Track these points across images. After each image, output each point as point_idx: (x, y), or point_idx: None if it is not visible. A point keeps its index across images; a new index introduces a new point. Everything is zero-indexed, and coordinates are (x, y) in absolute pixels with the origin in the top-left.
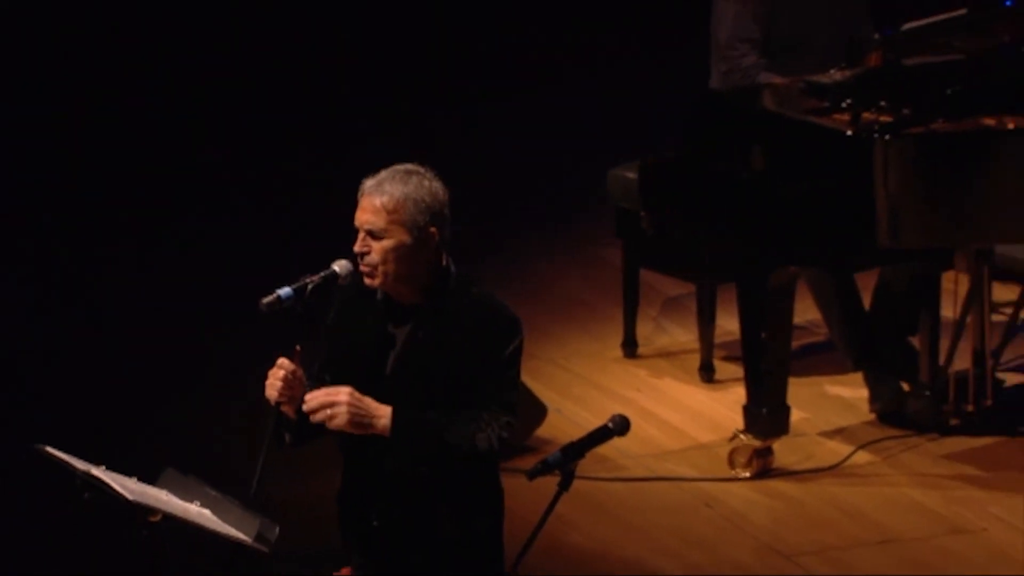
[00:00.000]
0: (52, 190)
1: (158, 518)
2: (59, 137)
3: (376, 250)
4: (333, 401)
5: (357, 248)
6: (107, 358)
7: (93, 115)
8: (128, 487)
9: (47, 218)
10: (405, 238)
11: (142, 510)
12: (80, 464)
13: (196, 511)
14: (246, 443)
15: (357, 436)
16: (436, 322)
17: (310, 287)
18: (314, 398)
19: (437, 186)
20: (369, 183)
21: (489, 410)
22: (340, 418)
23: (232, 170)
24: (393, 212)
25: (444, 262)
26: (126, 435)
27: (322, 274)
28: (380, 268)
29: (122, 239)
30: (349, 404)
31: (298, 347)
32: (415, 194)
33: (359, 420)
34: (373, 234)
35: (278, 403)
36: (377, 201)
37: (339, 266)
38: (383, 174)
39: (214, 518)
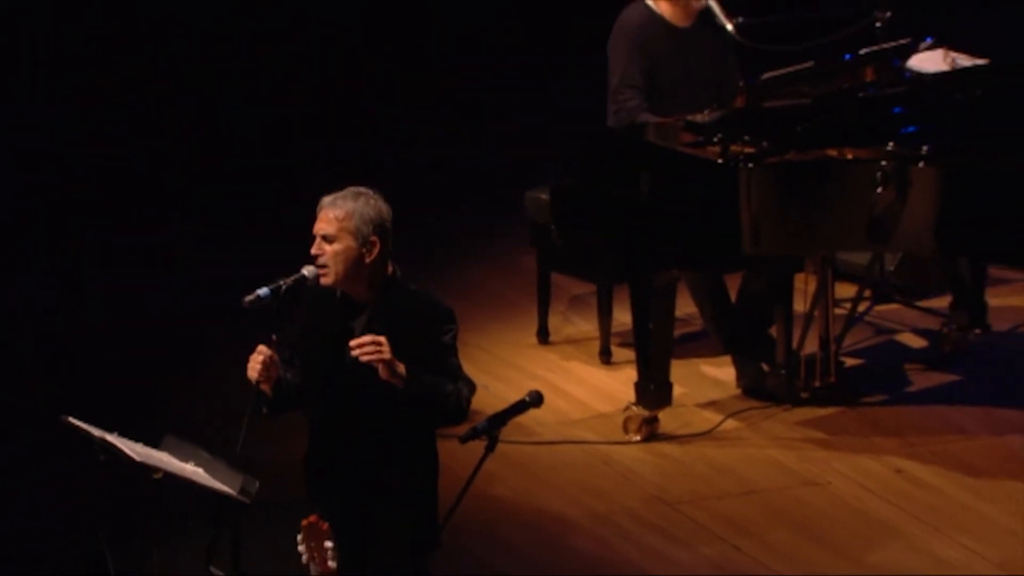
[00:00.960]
0: (61, 191)
1: (160, 475)
2: (62, 137)
3: (328, 252)
4: (381, 344)
5: (313, 251)
6: (118, 343)
7: (95, 116)
8: (136, 450)
9: (61, 216)
10: (352, 244)
11: (147, 468)
12: (97, 432)
13: (191, 469)
14: (232, 414)
15: (322, 408)
16: (385, 315)
17: (283, 288)
18: (364, 341)
19: (381, 205)
20: (327, 199)
21: (454, 380)
22: (385, 355)
23: (227, 179)
24: (343, 221)
25: (389, 266)
26: (134, 407)
27: (293, 277)
28: (331, 267)
29: (133, 242)
30: (389, 349)
31: (274, 336)
32: (362, 209)
33: (392, 361)
34: (326, 238)
35: (258, 381)
36: (331, 213)
37: (307, 271)
38: (338, 193)
39: (205, 475)
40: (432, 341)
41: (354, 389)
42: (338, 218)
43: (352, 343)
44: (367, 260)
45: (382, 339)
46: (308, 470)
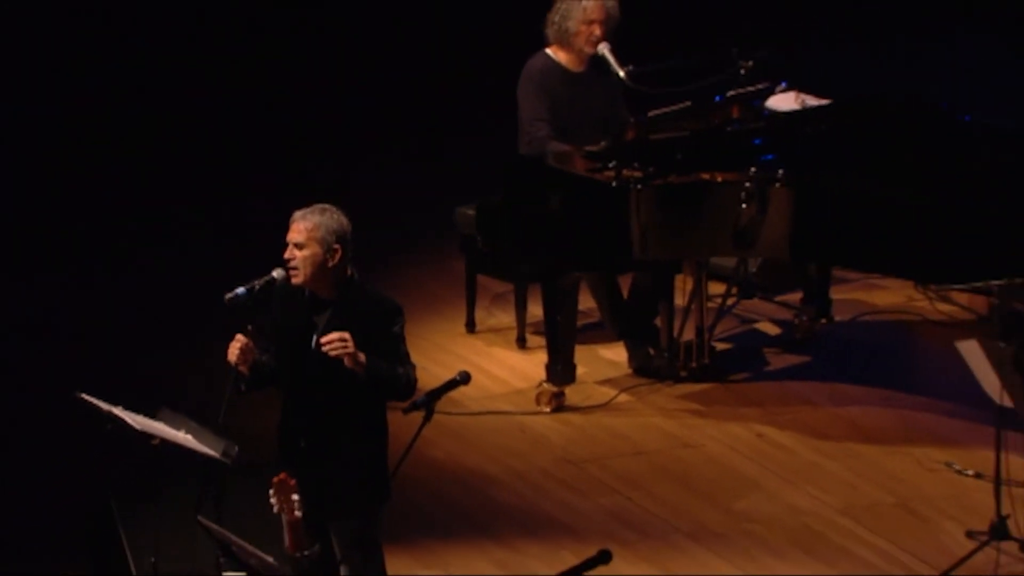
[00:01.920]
0: (62, 191)
1: (157, 441)
2: (58, 136)
3: (299, 257)
4: (347, 341)
5: (286, 255)
6: (122, 332)
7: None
8: (137, 420)
9: (66, 216)
10: (318, 250)
11: (146, 436)
12: (105, 406)
13: (183, 436)
14: (215, 391)
15: (292, 386)
16: (345, 310)
17: (257, 287)
18: (332, 338)
19: (343, 219)
20: (298, 213)
21: (404, 365)
22: (350, 349)
23: (199, 194)
24: (312, 232)
25: (349, 270)
26: (135, 386)
27: (264, 279)
28: (301, 270)
29: (135, 246)
30: (349, 345)
31: (249, 327)
32: (327, 222)
33: (355, 353)
34: (297, 246)
35: (236, 364)
36: (301, 225)
37: (276, 273)
38: (307, 208)
39: (194, 441)
40: (384, 332)
41: (319, 371)
42: (307, 229)
43: (322, 340)
44: (330, 264)
45: (347, 335)
46: (280, 436)
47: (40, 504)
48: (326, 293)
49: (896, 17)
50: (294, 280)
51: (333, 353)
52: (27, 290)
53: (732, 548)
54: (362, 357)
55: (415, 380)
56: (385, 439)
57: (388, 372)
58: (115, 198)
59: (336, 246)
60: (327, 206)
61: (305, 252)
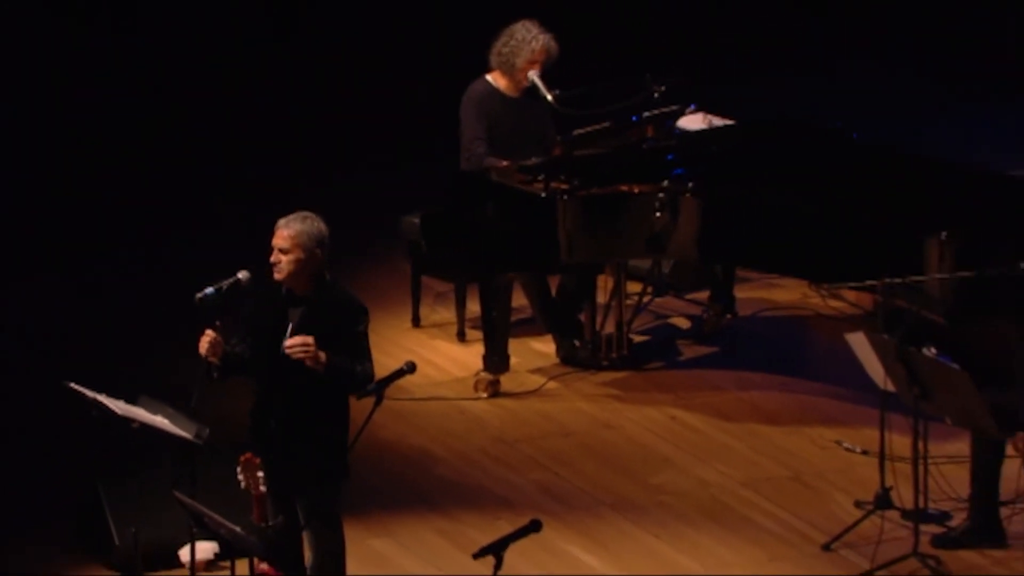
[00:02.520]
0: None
1: (137, 425)
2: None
3: (283, 260)
4: (308, 345)
5: (272, 259)
6: (106, 327)
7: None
8: (119, 406)
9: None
10: (300, 254)
11: (127, 420)
12: (90, 393)
13: (160, 420)
14: (189, 380)
15: (265, 374)
16: (317, 307)
17: (224, 287)
18: (295, 342)
19: (322, 225)
20: (282, 221)
21: (362, 362)
22: (310, 353)
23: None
24: (295, 238)
25: (324, 270)
26: (118, 375)
27: (230, 280)
28: (284, 269)
29: (120, 247)
30: (311, 348)
31: (217, 323)
32: (309, 229)
33: (315, 356)
34: (282, 250)
35: (206, 355)
36: (285, 232)
37: (242, 275)
38: (291, 216)
39: (170, 424)
40: (350, 330)
41: (289, 362)
42: (291, 236)
43: (286, 344)
44: (309, 266)
45: (310, 340)
46: (253, 418)
47: (31, 482)
48: (302, 291)
49: (789, 48)
50: (277, 277)
51: (295, 356)
52: (17, 289)
53: (649, 518)
54: (322, 357)
55: (371, 375)
56: (347, 423)
57: (345, 370)
58: (90, 212)
59: (317, 251)
60: (308, 214)
61: (289, 256)
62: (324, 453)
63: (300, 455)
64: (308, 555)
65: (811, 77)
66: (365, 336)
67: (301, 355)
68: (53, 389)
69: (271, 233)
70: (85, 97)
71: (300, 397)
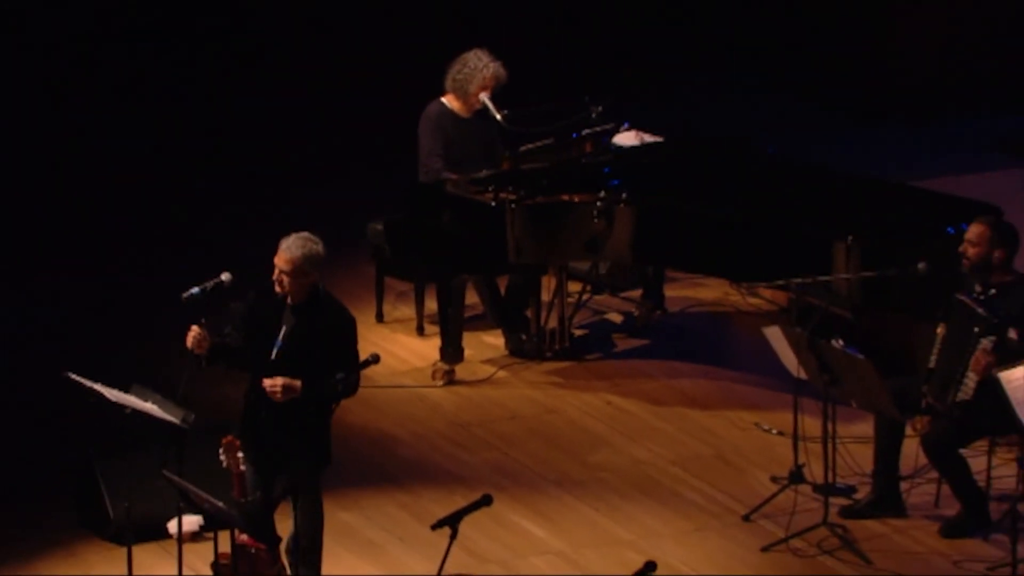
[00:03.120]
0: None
1: (129, 411)
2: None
3: (284, 280)
4: (285, 388)
5: (275, 277)
6: (102, 321)
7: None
8: (113, 394)
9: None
10: (299, 276)
11: (121, 406)
12: (87, 382)
13: (150, 406)
14: (176, 370)
15: (259, 366)
16: (309, 315)
17: (208, 287)
18: (276, 384)
19: (318, 248)
20: (284, 243)
21: (348, 371)
22: (286, 395)
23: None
24: (294, 263)
25: (317, 284)
26: (112, 366)
27: (214, 281)
28: (285, 286)
29: (109, 250)
30: (291, 385)
31: (203, 319)
32: (307, 254)
33: (290, 392)
34: (283, 271)
35: (192, 349)
36: (286, 255)
37: (224, 276)
38: (293, 239)
39: (159, 410)
40: (339, 337)
41: (279, 360)
42: (291, 260)
43: (266, 383)
44: (306, 283)
45: (291, 384)
46: (246, 407)
47: (33, 462)
48: (297, 300)
49: (707, 73)
50: (277, 290)
51: (276, 399)
52: (23, 287)
53: (588, 492)
54: (297, 387)
55: (356, 385)
56: (329, 415)
57: (322, 392)
58: (89, 223)
59: (312, 272)
60: (309, 237)
61: (288, 278)
62: (309, 441)
63: (287, 441)
64: (290, 527)
65: (726, 99)
66: (353, 343)
67: (278, 397)
68: (54, 378)
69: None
70: (94, 109)
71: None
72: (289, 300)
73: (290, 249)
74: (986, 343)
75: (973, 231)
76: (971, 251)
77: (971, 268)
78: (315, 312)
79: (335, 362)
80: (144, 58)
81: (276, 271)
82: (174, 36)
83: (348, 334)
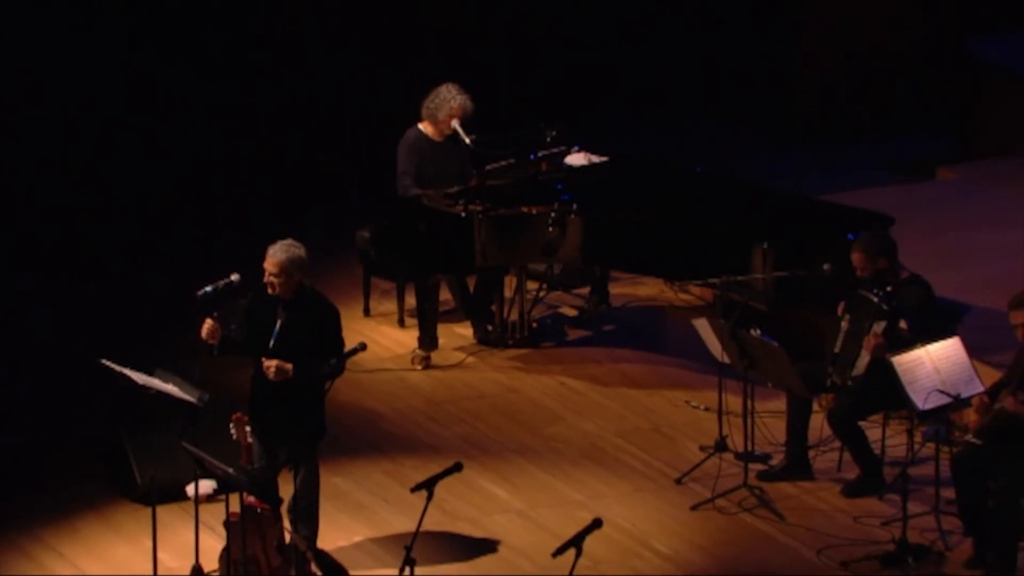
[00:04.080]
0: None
1: (153, 391)
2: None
3: (274, 282)
4: (279, 369)
5: (266, 280)
6: (128, 315)
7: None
8: (140, 377)
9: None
10: (285, 277)
11: (146, 388)
12: (118, 367)
13: (171, 387)
14: (193, 357)
15: (260, 355)
16: (299, 309)
17: (220, 286)
18: (272, 366)
19: (300, 252)
20: (271, 250)
21: (333, 357)
22: (280, 376)
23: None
24: (281, 265)
25: (303, 281)
26: (140, 353)
27: (225, 281)
28: (275, 286)
29: (137, 252)
30: (282, 367)
31: (215, 313)
32: (290, 257)
33: (285, 374)
34: (271, 274)
35: (206, 339)
36: (273, 260)
37: (234, 276)
38: (277, 244)
39: (179, 391)
40: (325, 327)
41: (276, 350)
42: (279, 263)
43: (265, 364)
44: (292, 282)
45: (286, 366)
46: (252, 390)
47: (73, 436)
48: (286, 296)
49: (651, 101)
50: (269, 291)
51: (273, 379)
52: (64, 284)
53: (545, 460)
54: (288, 370)
55: (341, 368)
56: (322, 395)
57: (313, 373)
58: (119, 231)
59: (296, 272)
60: (292, 243)
61: (277, 279)
62: (305, 416)
63: (286, 417)
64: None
65: (663, 125)
66: (338, 334)
67: (272, 376)
68: (89, 365)
69: (259, 247)
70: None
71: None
72: (280, 298)
73: (276, 254)
74: (877, 328)
75: (854, 258)
76: (860, 272)
77: (870, 279)
78: (304, 307)
79: (323, 347)
80: (154, 79)
81: (266, 274)
82: (188, 61)
83: (333, 323)
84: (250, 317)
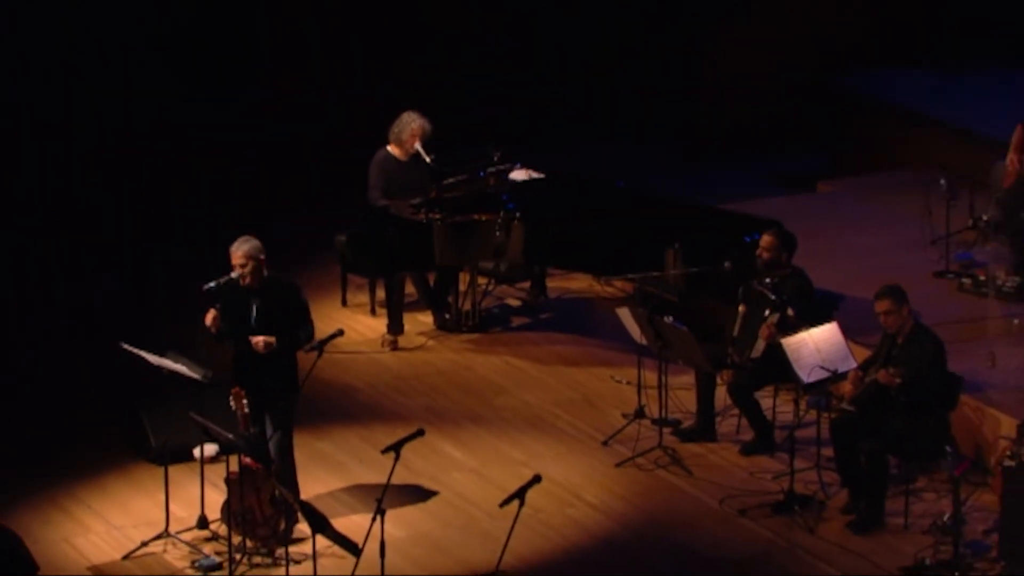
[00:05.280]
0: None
1: (166, 371)
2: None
3: (244, 271)
4: (265, 343)
5: (236, 272)
6: (145, 309)
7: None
8: (154, 358)
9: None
10: (252, 264)
11: (160, 367)
12: (135, 349)
13: (180, 367)
14: (198, 342)
15: (240, 336)
16: (268, 293)
17: (222, 282)
18: (258, 339)
19: (257, 243)
20: (233, 246)
21: (305, 326)
22: (267, 349)
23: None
24: (245, 255)
25: (267, 270)
26: (153, 336)
27: (227, 277)
28: (247, 276)
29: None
30: (269, 341)
31: (217, 305)
32: (251, 249)
33: (270, 344)
34: (240, 265)
35: (209, 327)
36: (240, 252)
37: (234, 274)
38: (237, 241)
39: (187, 369)
40: (295, 304)
41: (255, 330)
42: (245, 253)
43: (253, 341)
44: (258, 269)
45: (266, 339)
46: (235, 365)
47: (99, 407)
48: (254, 284)
49: (581, 123)
50: (243, 283)
51: (263, 352)
52: (91, 279)
53: (494, 427)
54: (272, 342)
55: (312, 334)
56: (295, 362)
57: (292, 341)
58: (136, 231)
59: (260, 257)
60: (248, 237)
61: (246, 268)
62: (282, 381)
63: (268, 385)
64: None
65: (593, 145)
66: (306, 306)
67: (263, 350)
68: (113, 349)
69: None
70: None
71: (262, 353)
72: (248, 285)
73: (240, 247)
74: (772, 318)
75: (765, 240)
76: (765, 255)
77: (764, 265)
78: (271, 291)
79: (296, 318)
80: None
81: (237, 267)
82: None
83: (298, 298)
84: (225, 310)
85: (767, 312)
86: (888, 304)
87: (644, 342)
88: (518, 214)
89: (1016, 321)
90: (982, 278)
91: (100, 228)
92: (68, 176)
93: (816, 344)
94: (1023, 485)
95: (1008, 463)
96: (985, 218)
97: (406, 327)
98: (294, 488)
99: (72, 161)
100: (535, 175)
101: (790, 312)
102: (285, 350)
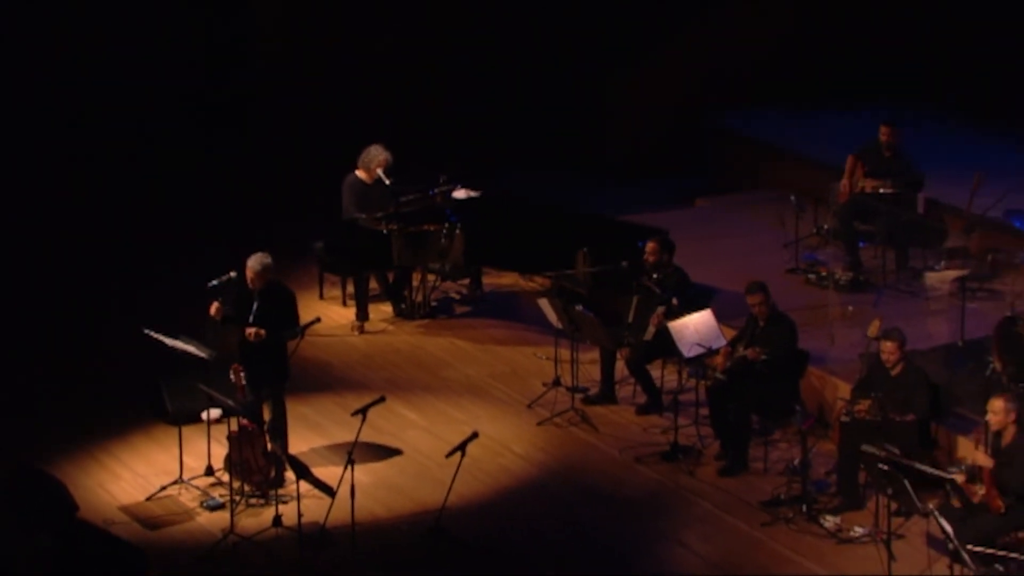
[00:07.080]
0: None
1: (180, 350)
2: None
3: (253, 278)
4: (256, 335)
5: (235, 273)
6: (161, 302)
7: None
8: (169, 341)
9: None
10: (260, 276)
11: (174, 348)
12: (154, 334)
13: (191, 348)
14: (205, 327)
15: (241, 325)
16: (269, 296)
17: (224, 280)
18: (250, 330)
19: (269, 260)
20: (250, 261)
21: (291, 325)
22: (258, 338)
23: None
24: (257, 271)
25: (270, 277)
26: (170, 325)
27: (226, 277)
28: (254, 284)
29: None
30: (259, 332)
31: (220, 298)
32: (264, 264)
33: (260, 334)
34: (251, 278)
35: (214, 316)
36: (253, 267)
37: (233, 273)
38: (254, 256)
39: (196, 350)
40: (284, 304)
41: (253, 322)
42: (255, 269)
43: (247, 331)
44: (264, 278)
45: (256, 330)
46: (239, 349)
47: (125, 381)
48: (259, 287)
49: (513, 150)
50: (251, 286)
51: (252, 340)
52: (116, 279)
53: (441, 395)
54: (263, 332)
55: (296, 332)
56: (286, 351)
57: (279, 335)
58: (153, 239)
59: (266, 272)
60: (262, 254)
61: (256, 279)
62: (274, 365)
63: (263, 365)
64: (267, 416)
65: (517, 168)
66: (295, 310)
67: (253, 339)
68: (137, 333)
69: (247, 254)
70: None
71: (257, 340)
72: (255, 287)
73: (252, 265)
74: (660, 309)
75: (650, 246)
76: (651, 257)
77: (651, 265)
78: (272, 294)
79: (286, 318)
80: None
81: (249, 276)
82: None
83: (290, 303)
84: (237, 302)
85: (655, 303)
86: (760, 297)
87: (560, 326)
88: (459, 225)
89: (850, 308)
90: (824, 274)
91: (126, 241)
92: (96, 196)
93: (695, 326)
94: (855, 436)
95: (844, 419)
96: (825, 227)
97: (371, 315)
98: (285, 443)
99: (98, 183)
100: (472, 194)
101: (674, 302)
102: (272, 341)
